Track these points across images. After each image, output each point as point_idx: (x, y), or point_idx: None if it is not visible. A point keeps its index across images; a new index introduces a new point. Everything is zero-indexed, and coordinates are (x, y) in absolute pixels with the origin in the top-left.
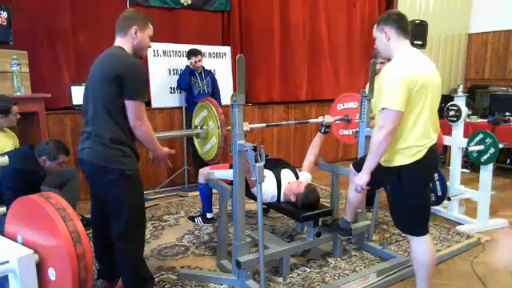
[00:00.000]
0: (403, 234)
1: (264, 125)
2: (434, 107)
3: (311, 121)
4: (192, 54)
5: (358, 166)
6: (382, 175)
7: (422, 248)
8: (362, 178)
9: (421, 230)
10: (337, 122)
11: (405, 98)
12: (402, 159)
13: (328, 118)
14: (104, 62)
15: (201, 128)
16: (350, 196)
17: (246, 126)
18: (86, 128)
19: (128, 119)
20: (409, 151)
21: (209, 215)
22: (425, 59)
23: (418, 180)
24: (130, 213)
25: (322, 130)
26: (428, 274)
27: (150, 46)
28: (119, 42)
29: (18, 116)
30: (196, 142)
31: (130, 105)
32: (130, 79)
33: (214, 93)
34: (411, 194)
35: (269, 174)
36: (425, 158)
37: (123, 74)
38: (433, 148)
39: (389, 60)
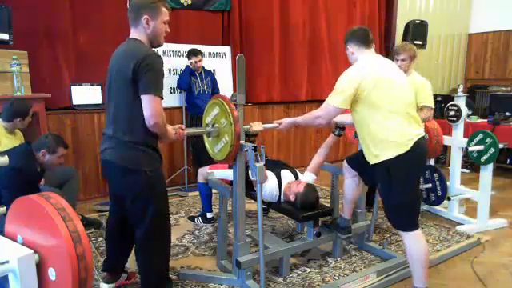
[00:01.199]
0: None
1: (277, 124)
2: (409, 104)
3: None
4: (192, 54)
5: (353, 163)
6: (374, 174)
7: (415, 244)
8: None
9: (412, 225)
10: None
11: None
12: (386, 154)
13: (343, 118)
14: (120, 59)
15: (212, 126)
16: (345, 192)
17: (259, 126)
18: (108, 128)
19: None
20: (392, 145)
21: (209, 215)
22: (386, 62)
23: (405, 173)
24: (154, 213)
25: (336, 132)
26: (424, 267)
27: (168, 32)
28: (134, 33)
29: (30, 119)
30: (207, 141)
31: (144, 100)
32: (143, 72)
33: (214, 93)
34: (400, 189)
35: (270, 174)
36: (410, 151)
37: (136, 69)
38: (419, 142)
39: (411, 58)
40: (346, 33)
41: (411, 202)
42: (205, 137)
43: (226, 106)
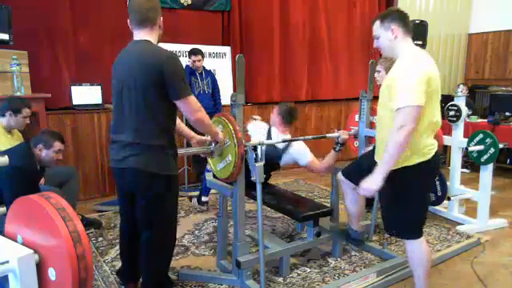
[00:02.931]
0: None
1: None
2: (438, 107)
3: (328, 135)
4: (192, 53)
5: (351, 174)
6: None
7: (418, 249)
8: (377, 182)
9: (419, 232)
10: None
11: (424, 94)
12: (410, 160)
13: (344, 135)
14: (137, 62)
15: (215, 145)
16: (349, 207)
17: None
18: (121, 135)
19: (174, 120)
20: (418, 151)
21: (204, 198)
22: (430, 58)
23: (420, 182)
24: (168, 214)
25: (337, 148)
26: (426, 273)
27: None
28: (146, 34)
29: (28, 121)
30: (210, 159)
31: (183, 104)
32: (172, 76)
33: (214, 93)
34: (413, 197)
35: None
36: (430, 160)
37: (164, 72)
38: (438, 152)
39: (389, 64)
40: (385, 12)
41: (423, 210)
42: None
43: (231, 127)
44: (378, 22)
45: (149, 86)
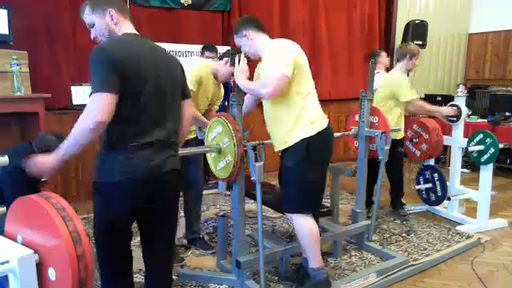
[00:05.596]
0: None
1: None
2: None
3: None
4: (207, 49)
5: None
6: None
7: (309, 221)
8: None
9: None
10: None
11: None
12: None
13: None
14: (164, 59)
15: (215, 145)
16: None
17: None
18: (153, 135)
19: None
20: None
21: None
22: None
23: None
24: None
25: None
26: (316, 243)
27: None
28: (133, 27)
29: None
30: (209, 159)
31: (189, 103)
32: (184, 76)
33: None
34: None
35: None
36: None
37: (184, 74)
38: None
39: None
40: (236, 24)
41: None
42: (207, 154)
43: (230, 127)
44: (234, 35)
45: (179, 85)
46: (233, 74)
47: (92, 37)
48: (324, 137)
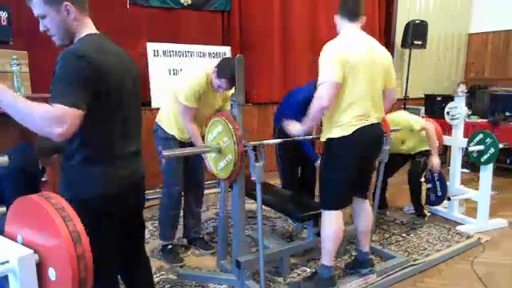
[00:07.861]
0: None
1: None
2: None
3: None
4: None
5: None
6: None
7: (334, 220)
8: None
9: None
10: None
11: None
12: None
13: None
14: (127, 61)
15: (215, 144)
16: (355, 223)
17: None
18: (130, 146)
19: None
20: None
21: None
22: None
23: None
24: None
25: None
26: (335, 244)
27: None
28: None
29: None
30: (210, 159)
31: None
32: None
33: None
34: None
35: None
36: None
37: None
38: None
39: None
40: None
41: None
42: (207, 154)
43: (230, 126)
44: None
45: (139, 88)
46: (219, 86)
47: (41, 29)
48: (354, 138)
